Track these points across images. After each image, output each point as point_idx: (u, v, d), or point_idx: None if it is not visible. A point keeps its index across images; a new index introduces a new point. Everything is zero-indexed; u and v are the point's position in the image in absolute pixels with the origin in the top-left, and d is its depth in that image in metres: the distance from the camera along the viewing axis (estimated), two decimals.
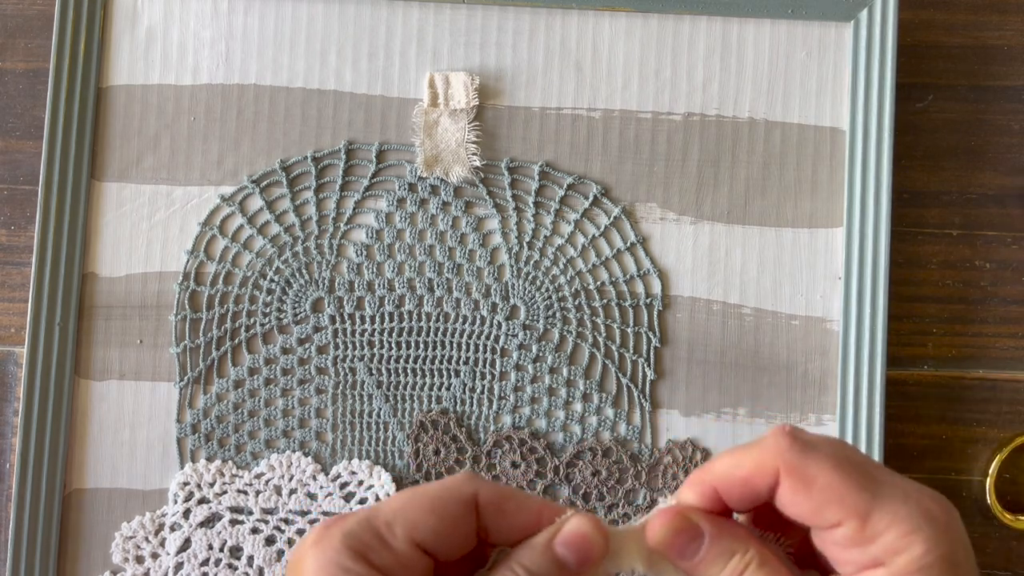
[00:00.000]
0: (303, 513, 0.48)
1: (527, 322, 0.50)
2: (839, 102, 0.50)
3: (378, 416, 0.49)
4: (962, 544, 0.27)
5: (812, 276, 0.50)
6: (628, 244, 0.50)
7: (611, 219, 0.50)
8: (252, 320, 0.49)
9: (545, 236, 0.50)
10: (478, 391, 0.49)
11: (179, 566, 0.48)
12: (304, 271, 0.50)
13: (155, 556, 0.48)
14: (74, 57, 0.49)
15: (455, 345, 0.49)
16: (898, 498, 0.27)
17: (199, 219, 0.50)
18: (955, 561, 0.26)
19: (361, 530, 0.27)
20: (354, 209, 0.50)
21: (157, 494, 0.49)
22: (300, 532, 0.48)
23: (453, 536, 0.28)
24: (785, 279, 0.50)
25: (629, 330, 0.50)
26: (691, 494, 0.30)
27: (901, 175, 0.51)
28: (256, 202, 0.50)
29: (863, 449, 0.48)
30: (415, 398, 0.49)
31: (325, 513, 0.48)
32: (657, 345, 0.50)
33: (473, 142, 0.50)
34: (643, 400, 0.49)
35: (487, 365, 0.49)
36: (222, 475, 0.48)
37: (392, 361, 0.49)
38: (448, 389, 0.49)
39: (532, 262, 0.50)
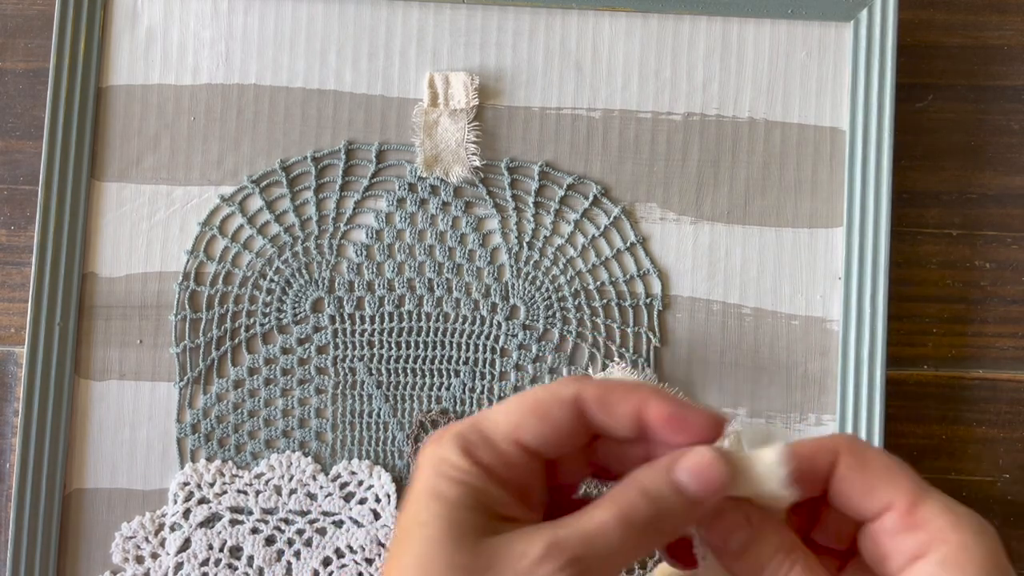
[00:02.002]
0: (303, 513, 0.48)
1: (527, 322, 0.50)
2: (839, 102, 0.50)
3: (378, 416, 0.49)
4: (1003, 550, 0.27)
5: (812, 276, 0.50)
6: (628, 244, 0.50)
7: (611, 219, 0.50)
8: (252, 320, 0.49)
9: (545, 236, 0.50)
10: (478, 391, 0.49)
11: (179, 566, 0.48)
12: (304, 271, 0.50)
13: (155, 556, 0.48)
14: (74, 57, 0.49)
15: (455, 345, 0.49)
16: (944, 499, 0.28)
17: (199, 219, 0.50)
18: (1000, 559, 0.27)
19: (469, 431, 0.28)
20: (354, 209, 0.50)
21: (157, 494, 0.49)
22: (300, 532, 0.48)
23: (557, 435, 0.28)
24: (785, 279, 0.50)
25: (629, 330, 0.50)
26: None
27: (901, 175, 0.51)
28: (256, 202, 0.50)
29: None
30: (415, 398, 0.49)
31: (325, 513, 0.48)
32: (657, 345, 0.50)
33: (473, 142, 0.50)
34: None
35: (487, 365, 0.49)
36: (222, 475, 0.48)
37: (392, 361, 0.49)
38: (448, 389, 0.49)
39: (532, 262, 0.50)
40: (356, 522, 0.48)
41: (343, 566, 0.48)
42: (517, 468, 0.28)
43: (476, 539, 0.25)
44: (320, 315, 0.49)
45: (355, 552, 0.48)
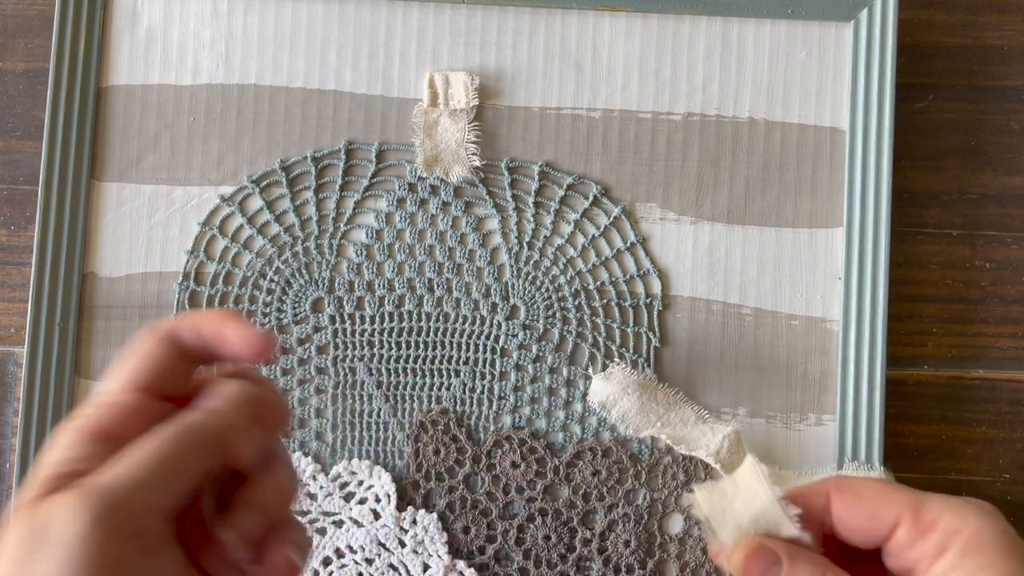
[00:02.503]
0: (303, 513, 0.48)
1: (527, 322, 0.50)
2: (839, 102, 0.50)
3: (378, 416, 0.49)
4: (1008, 525, 0.29)
5: (812, 276, 0.50)
6: (628, 244, 0.50)
7: (611, 219, 0.50)
8: (252, 320, 0.49)
9: (545, 236, 0.50)
10: (478, 391, 0.49)
11: None
12: (304, 271, 0.50)
13: None
14: (74, 57, 0.49)
15: (455, 345, 0.49)
16: (941, 497, 0.30)
17: (199, 219, 0.50)
18: (1009, 533, 0.28)
19: (82, 409, 0.27)
20: (354, 209, 0.50)
21: None
22: None
23: (168, 370, 0.28)
24: (785, 279, 0.50)
25: (629, 330, 0.50)
26: None
27: (901, 175, 0.51)
28: (256, 202, 0.50)
29: (863, 449, 0.48)
30: (415, 398, 0.49)
31: (325, 513, 0.48)
32: (657, 345, 0.50)
33: (473, 142, 0.50)
34: None
35: (487, 365, 0.49)
36: None
37: (392, 361, 0.49)
38: (448, 389, 0.49)
39: (532, 262, 0.50)
40: (356, 522, 0.48)
41: (343, 566, 0.48)
42: (146, 414, 0.27)
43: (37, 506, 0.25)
44: (320, 315, 0.49)
45: (355, 552, 0.48)
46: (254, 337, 0.29)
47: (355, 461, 0.49)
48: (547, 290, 0.50)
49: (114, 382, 0.28)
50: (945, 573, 0.28)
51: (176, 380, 0.29)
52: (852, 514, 0.30)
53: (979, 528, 0.28)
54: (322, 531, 0.48)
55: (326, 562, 0.48)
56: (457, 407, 0.49)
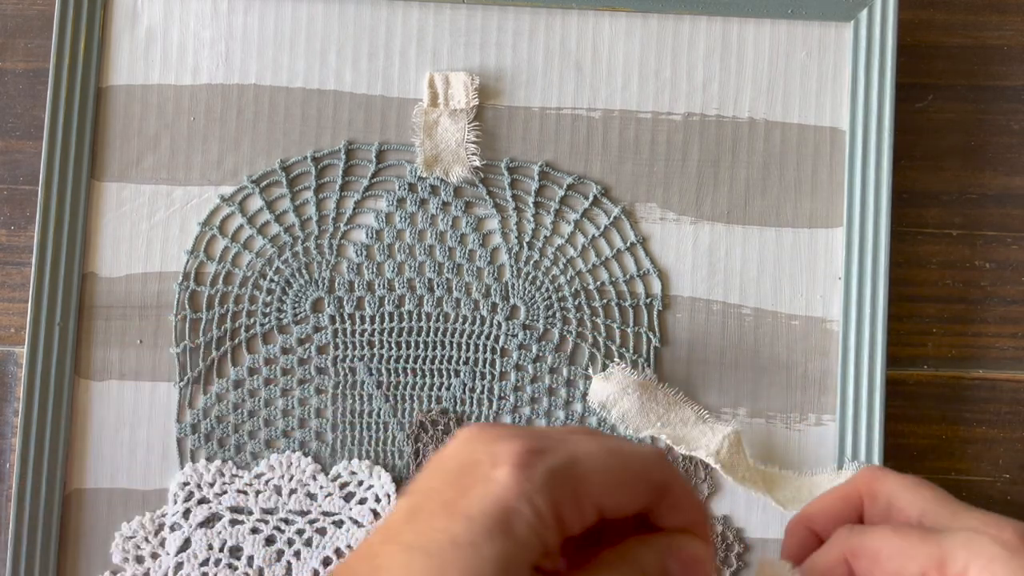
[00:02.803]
0: (303, 513, 0.48)
1: (527, 322, 0.50)
2: (839, 102, 0.50)
3: (378, 416, 0.49)
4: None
5: (812, 276, 0.50)
6: (628, 244, 0.50)
7: (611, 219, 0.50)
8: (252, 320, 0.49)
9: (545, 236, 0.50)
10: (478, 391, 0.49)
11: (179, 566, 0.48)
12: (304, 271, 0.50)
13: (155, 556, 0.48)
14: (74, 57, 0.49)
15: (455, 345, 0.49)
16: (963, 538, 0.28)
17: (199, 219, 0.50)
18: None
19: (562, 476, 0.25)
20: (354, 209, 0.50)
21: (157, 494, 0.49)
22: (300, 532, 0.48)
23: (631, 505, 0.27)
24: (785, 279, 0.50)
25: (629, 330, 0.50)
26: (791, 541, 0.31)
27: (901, 175, 0.51)
28: (256, 202, 0.50)
29: (863, 449, 0.48)
30: (415, 398, 0.49)
31: (325, 513, 0.48)
32: (657, 345, 0.50)
33: (473, 142, 0.50)
34: None
35: (487, 365, 0.49)
36: (222, 475, 0.48)
37: (392, 361, 0.49)
38: (448, 389, 0.49)
39: (532, 262, 0.50)
40: (356, 522, 0.48)
41: None
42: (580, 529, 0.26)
43: None
44: (320, 315, 0.49)
45: None
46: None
47: (355, 461, 0.49)
48: (547, 290, 0.50)
49: (597, 485, 0.26)
50: None
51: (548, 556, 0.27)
52: (872, 515, 0.30)
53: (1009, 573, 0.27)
54: (322, 531, 0.48)
55: (326, 562, 0.48)
56: (457, 407, 0.49)
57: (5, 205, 0.51)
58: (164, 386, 0.49)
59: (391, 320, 0.50)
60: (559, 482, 0.25)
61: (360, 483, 0.49)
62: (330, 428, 0.49)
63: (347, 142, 0.50)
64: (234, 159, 0.50)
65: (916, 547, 0.28)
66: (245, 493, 0.48)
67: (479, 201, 0.50)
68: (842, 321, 0.49)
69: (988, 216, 0.52)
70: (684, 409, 0.49)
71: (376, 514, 0.48)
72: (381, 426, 0.49)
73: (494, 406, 0.49)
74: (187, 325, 0.49)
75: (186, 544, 0.48)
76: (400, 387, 0.49)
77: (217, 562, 0.48)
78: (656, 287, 0.50)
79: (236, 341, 0.49)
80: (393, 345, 0.49)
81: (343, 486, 0.49)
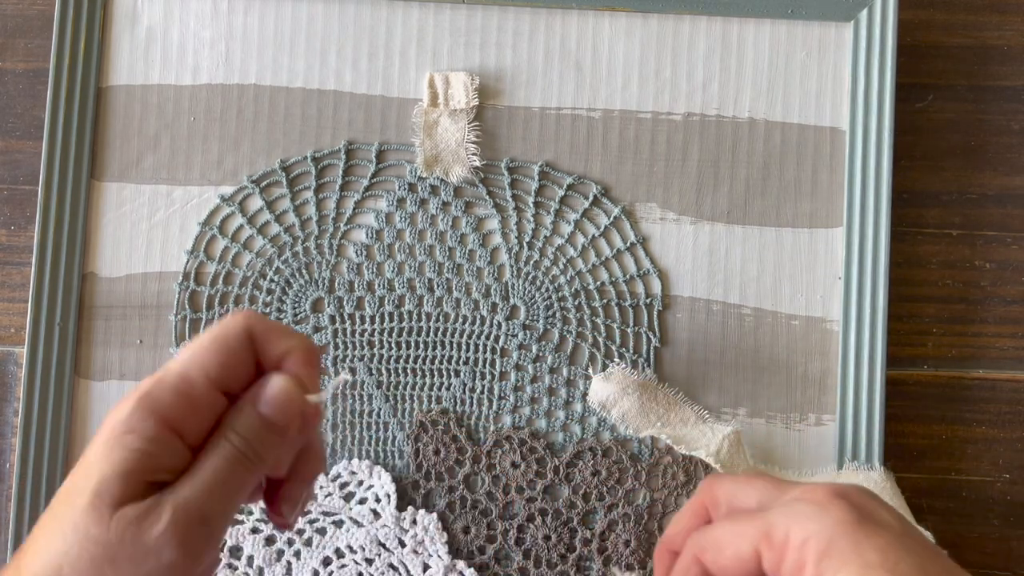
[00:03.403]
0: (303, 513, 0.48)
1: (527, 322, 0.50)
2: (839, 102, 0.50)
3: (378, 416, 0.49)
4: (850, 513, 0.29)
5: (812, 276, 0.50)
6: (628, 244, 0.50)
7: (611, 219, 0.50)
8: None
9: (545, 236, 0.50)
10: (478, 391, 0.49)
11: None
12: (304, 271, 0.50)
13: None
14: (74, 57, 0.49)
15: (455, 345, 0.49)
16: (783, 508, 0.30)
17: (199, 219, 0.50)
18: (852, 523, 0.29)
19: (152, 384, 0.29)
20: (354, 209, 0.50)
21: None
22: (299, 532, 0.48)
23: (238, 367, 0.31)
24: (785, 279, 0.50)
25: (629, 330, 0.50)
26: (659, 569, 0.34)
27: (901, 175, 0.51)
28: (256, 202, 0.50)
29: (863, 449, 0.48)
30: (415, 398, 0.49)
31: (325, 513, 0.48)
32: (657, 345, 0.50)
33: (473, 142, 0.50)
34: None
35: (487, 365, 0.49)
36: None
37: (392, 361, 0.49)
38: (448, 389, 0.49)
39: (532, 262, 0.50)
40: (356, 522, 0.48)
41: (343, 566, 0.48)
42: (203, 404, 0.30)
43: (114, 510, 0.27)
44: (320, 315, 0.49)
45: (355, 552, 0.48)
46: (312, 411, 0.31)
47: (355, 461, 0.49)
48: (547, 290, 0.50)
49: (191, 365, 0.30)
50: None
51: (239, 381, 0.31)
52: (723, 566, 0.31)
53: (820, 531, 0.29)
54: (322, 531, 0.48)
55: (326, 562, 0.48)
56: (457, 407, 0.49)
57: (5, 205, 0.51)
58: None
59: (391, 320, 0.50)
60: (146, 392, 0.29)
61: (360, 483, 0.49)
62: (330, 428, 0.49)
63: (347, 142, 0.50)
64: (234, 159, 0.50)
65: (746, 527, 0.30)
66: None
67: (479, 201, 0.50)
68: (842, 321, 0.49)
69: (988, 216, 0.52)
70: (684, 409, 0.49)
71: (376, 514, 0.48)
72: (381, 426, 0.49)
73: (494, 406, 0.49)
74: (187, 325, 0.49)
75: None
76: (400, 387, 0.49)
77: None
78: (656, 287, 0.50)
79: None
80: (393, 345, 0.49)
81: (343, 486, 0.49)
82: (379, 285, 0.50)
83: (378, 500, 0.48)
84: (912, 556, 0.28)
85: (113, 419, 0.29)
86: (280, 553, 0.48)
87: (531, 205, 0.50)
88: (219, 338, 0.31)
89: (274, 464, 0.31)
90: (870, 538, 0.28)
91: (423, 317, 0.50)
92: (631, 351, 0.50)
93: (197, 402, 0.30)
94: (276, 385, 0.31)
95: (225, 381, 0.30)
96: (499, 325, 0.50)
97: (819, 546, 0.28)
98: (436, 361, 0.49)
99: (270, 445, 0.30)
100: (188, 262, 0.50)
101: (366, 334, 0.49)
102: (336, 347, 0.49)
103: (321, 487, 0.48)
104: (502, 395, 0.49)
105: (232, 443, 0.30)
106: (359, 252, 0.50)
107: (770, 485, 0.32)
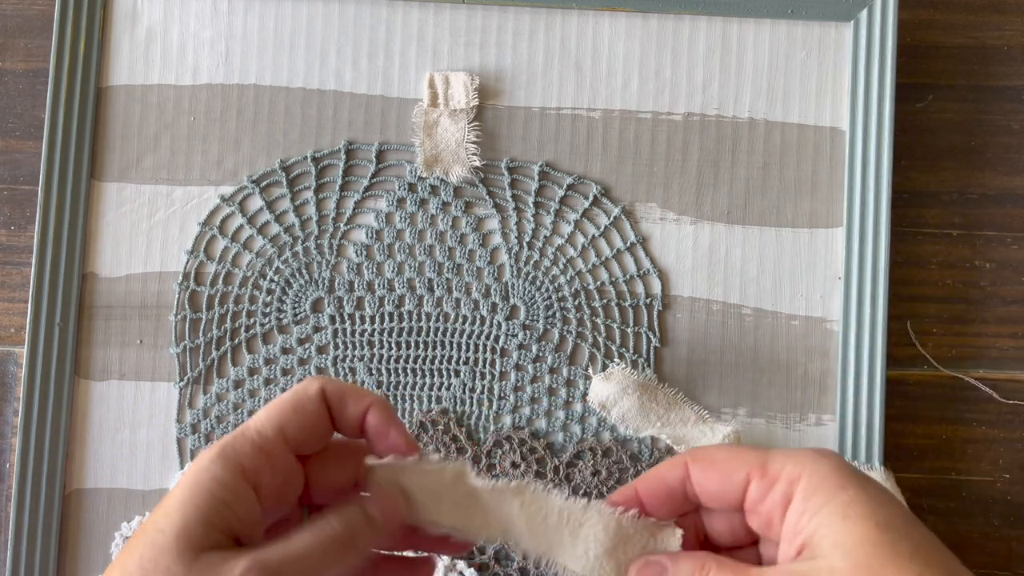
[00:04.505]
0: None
1: (527, 322, 0.50)
2: (839, 102, 0.50)
3: None
4: (844, 462, 0.31)
5: (812, 276, 0.50)
6: (628, 244, 0.50)
7: (611, 219, 0.50)
8: (252, 320, 0.49)
9: (545, 236, 0.50)
10: (478, 391, 0.49)
11: None
12: (304, 271, 0.50)
13: None
14: (74, 57, 0.49)
15: (455, 345, 0.49)
16: (784, 451, 0.32)
17: (199, 219, 0.50)
18: (844, 467, 0.30)
19: (233, 439, 0.31)
20: (354, 209, 0.50)
21: (157, 494, 0.49)
22: None
23: (314, 428, 0.33)
24: (785, 279, 0.50)
25: (629, 330, 0.50)
26: (619, 499, 0.34)
27: (901, 175, 0.51)
28: (256, 202, 0.50)
29: (863, 449, 0.48)
30: (415, 398, 0.49)
31: None
32: (657, 345, 0.50)
33: (473, 142, 0.50)
34: None
35: (487, 365, 0.49)
36: None
37: (392, 361, 0.49)
38: (448, 389, 0.49)
39: (532, 262, 0.50)
40: None
41: None
42: (286, 472, 0.32)
43: (198, 553, 0.29)
44: (320, 315, 0.49)
45: None
46: (407, 447, 0.34)
47: None
48: (547, 290, 0.50)
49: (267, 423, 0.32)
50: (795, 517, 0.30)
51: (313, 442, 0.33)
52: (708, 478, 0.32)
53: (814, 470, 0.30)
54: None
55: None
56: (457, 407, 0.49)
57: (5, 205, 0.51)
58: (164, 386, 0.49)
59: (391, 320, 0.50)
60: (228, 445, 0.31)
61: None
62: None
63: (347, 142, 0.50)
64: (234, 159, 0.50)
65: (746, 453, 0.32)
66: None
67: (479, 201, 0.50)
68: (842, 321, 0.49)
69: (988, 216, 0.52)
70: (684, 409, 0.49)
71: None
72: None
73: (494, 406, 0.49)
74: (187, 325, 0.49)
75: None
76: (400, 387, 0.49)
77: None
78: (656, 287, 0.50)
79: (236, 341, 0.49)
80: (393, 345, 0.49)
81: None
82: (379, 285, 0.50)
83: None
84: (890, 508, 0.29)
85: (196, 466, 0.30)
86: None
87: (531, 205, 0.50)
88: (296, 400, 0.33)
89: (365, 551, 0.33)
90: (857, 488, 0.29)
91: (423, 317, 0.50)
92: (631, 351, 0.50)
93: (274, 459, 0.31)
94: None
95: (300, 441, 0.32)
96: (499, 325, 0.50)
97: (811, 483, 0.30)
98: (436, 361, 0.49)
99: (367, 539, 0.32)
100: (188, 262, 0.50)
101: (366, 334, 0.49)
102: (336, 347, 0.49)
103: None
104: (502, 395, 0.49)
105: (331, 525, 0.31)
106: (359, 252, 0.50)
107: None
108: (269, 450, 0.31)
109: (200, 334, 0.49)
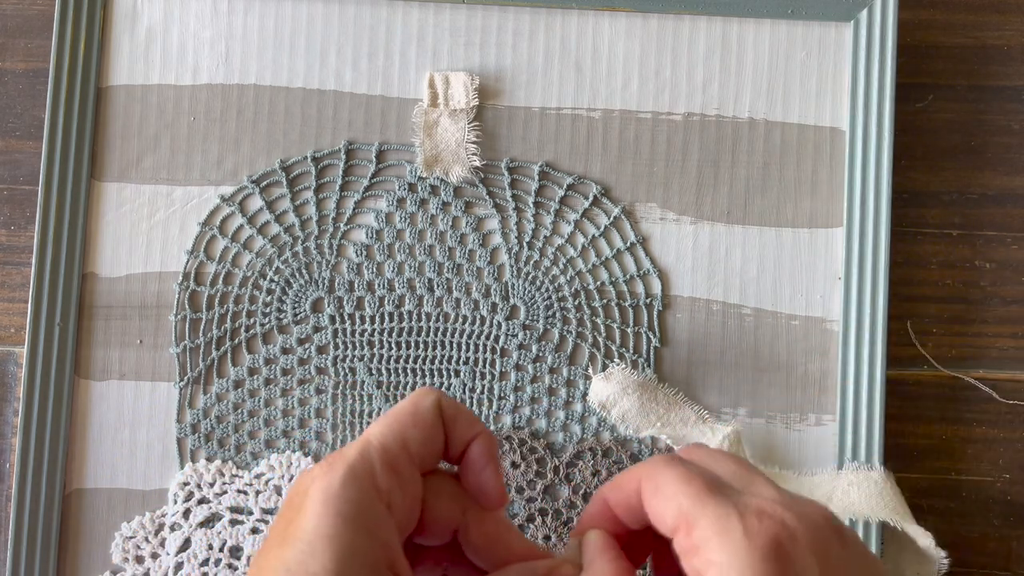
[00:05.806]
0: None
1: (527, 322, 0.50)
2: (839, 102, 0.50)
3: (379, 416, 0.49)
4: (772, 554, 0.26)
5: (812, 276, 0.50)
6: (628, 244, 0.50)
7: (611, 219, 0.50)
8: (252, 320, 0.49)
9: (545, 236, 0.50)
10: (478, 391, 0.49)
11: (179, 566, 0.48)
12: (304, 271, 0.50)
13: (155, 556, 0.48)
14: (74, 57, 0.49)
15: (455, 345, 0.49)
16: (713, 515, 0.27)
17: (199, 219, 0.50)
18: (758, 570, 0.25)
19: (362, 457, 0.28)
20: (354, 209, 0.50)
21: (157, 494, 0.49)
22: None
23: (433, 444, 0.31)
24: (785, 279, 0.50)
25: (629, 330, 0.50)
26: (593, 509, 0.32)
27: (901, 175, 0.51)
28: (256, 202, 0.50)
29: (863, 449, 0.48)
30: None
31: None
32: (657, 345, 0.50)
33: (473, 142, 0.50)
34: None
35: (487, 365, 0.49)
36: (222, 475, 0.48)
37: (392, 361, 0.49)
38: (448, 389, 0.49)
39: (532, 262, 0.50)
40: None
41: None
42: (407, 482, 0.29)
43: None
44: (320, 315, 0.49)
45: None
46: (496, 493, 0.31)
47: None
48: (547, 290, 0.50)
49: (390, 435, 0.30)
50: None
51: (431, 460, 0.31)
52: (651, 505, 0.29)
53: (728, 568, 0.25)
54: None
55: None
56: None
57: (5, 205, 0.51)
58: (164, 386, 0.49)
59: (391, 320, 0.50)
60: (358, 467, 0.28)
61: None
62: (330, 428, 0.49)
63: (347, 142, 0.50)
64: (234, 159, 0.50)
65: (681, 498, 0.27)
66: (245, 493, 0.48)
67: (479, 201, 0.50)
68: (842, 321, 0.49)
69: (988, 216, 0.52)
70: (684, 409, 0.49)
71: None
72: None
73: (494, 406, 0.49)
74: (187, 325, 0.49)
75: (186, 544, 0.48)
76: (400, 387, 0.49)
77: (217, 562, 0.48)
78: (656, 287, 0.50)
79: (236, 341, 0.49)
80: (393, 345, 0.49)
81: None
82: (379, 285, 0.50)
83: None
84: None
85: (324, 492, 0.27)
86: None
87: (531, 205, 0.50)
88: (416, 411, 0.30)
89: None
90: None
91: (423, 317, 0.50)
92: (631, 351, 0.50)
93: (402, 477, 0.28)
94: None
95: (423, 456, 0.30)
96: (499, 325, 0.50)
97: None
98: (436, 361, 0.49)
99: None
100: (188, 262, 0.50)
101: (366, 334, 0.49)
102: (336, 347, 0.49)
103: None
104: (502, 395, 0.49)
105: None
106: (359, 252, 0.50)
107: (741, 471, 0.30)
108: (398, 467, 0.28)
109: (200, 334, 0.49)
